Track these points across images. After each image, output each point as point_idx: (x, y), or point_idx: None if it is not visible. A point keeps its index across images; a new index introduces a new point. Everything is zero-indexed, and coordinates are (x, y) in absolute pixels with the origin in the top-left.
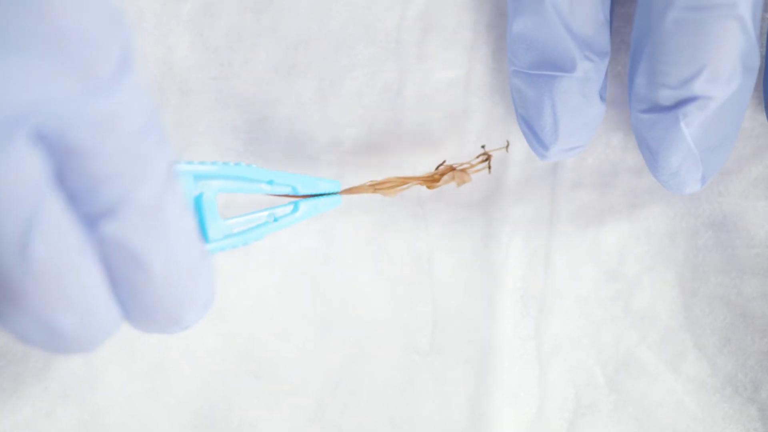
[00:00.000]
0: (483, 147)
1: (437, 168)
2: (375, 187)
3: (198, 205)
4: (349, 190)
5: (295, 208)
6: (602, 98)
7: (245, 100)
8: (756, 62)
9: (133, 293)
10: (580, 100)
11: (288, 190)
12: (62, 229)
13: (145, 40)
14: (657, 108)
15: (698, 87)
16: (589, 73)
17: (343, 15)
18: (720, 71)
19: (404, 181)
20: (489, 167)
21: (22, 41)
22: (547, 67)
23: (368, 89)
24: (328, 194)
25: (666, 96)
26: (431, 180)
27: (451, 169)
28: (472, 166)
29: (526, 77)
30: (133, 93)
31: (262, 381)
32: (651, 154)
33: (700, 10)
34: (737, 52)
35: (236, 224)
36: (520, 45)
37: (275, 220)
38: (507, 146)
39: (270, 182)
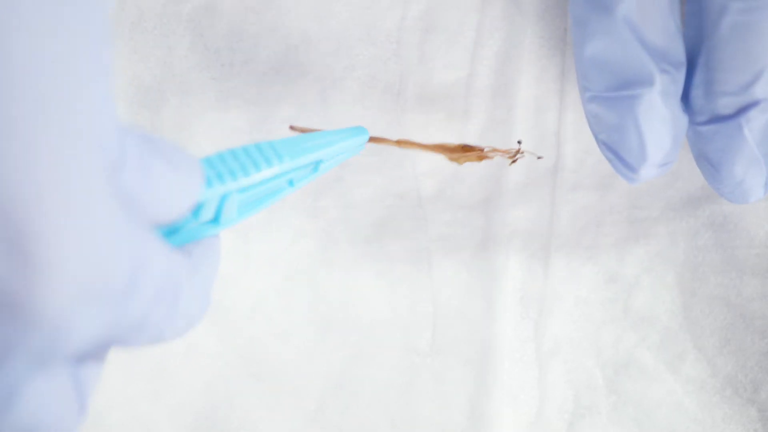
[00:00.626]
0: (519, 142)
1: (463, 146)
2: (400, 142)
3: (221, 203)
4: (375, 140)
5: (315, 169)
6: (683, 109)
7: (246, 101)
8: None
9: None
10: (663, 114)
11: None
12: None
13: (145, 40)
14: (717, 118)
15: (760, 90)
16: (668, 86)
17: (344, 15)
18: None
19: (431, 148)
20: (513, 161)
21: None
22: (625, 87)
23: (369, 90)
24: (349, 151)
25: (727, 104)
26: (456, 152)
27: (479, 150)
28: (498, 151)
29: (604, 101)
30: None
31: (263, 382)
32: (713, 166)
33: (756, 11)
34: None
35: (250, 196)
36: (593, 69)
37: (291, 184)
38: (539, 157)
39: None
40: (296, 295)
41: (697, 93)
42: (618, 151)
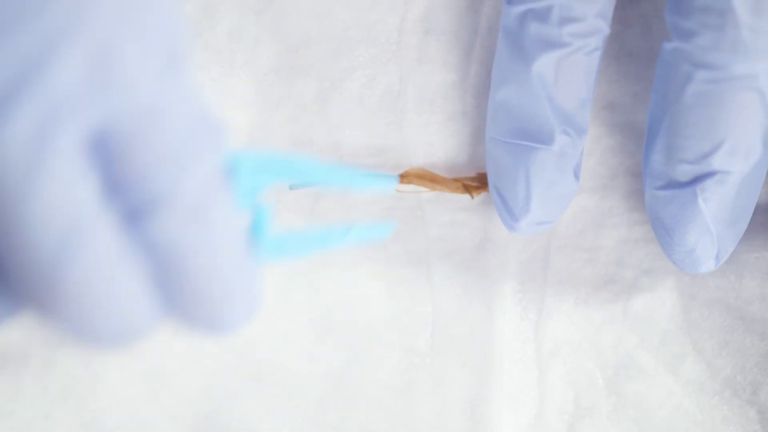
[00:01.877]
0: None
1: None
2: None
3: (257, 212)
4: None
5: (348, 230)
6: (576, 176)
7: (246, 101)
8: None
9: (173, 294)
10: (554, 174)
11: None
12: (105, 236)
13: None
14: (674, 184)
15: (717, 161)
16: (566, 148)
17: (344, 17)
18: (740, 145)
19: (450, 187)
20: None
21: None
22: (525, 137)
23: (369, 91)
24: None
25: (684, 171)
26: (470, 187)
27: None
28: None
29: (503, 145)
30: (184, 84)
31: (262, 383)
32: (666, 232)
33: (721, 83)
34: (757, 125)
35: (285, 238)
36: (501, 113)
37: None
38: None
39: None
40: (296, 296)
41: (657, 157)
42: (505, 197)
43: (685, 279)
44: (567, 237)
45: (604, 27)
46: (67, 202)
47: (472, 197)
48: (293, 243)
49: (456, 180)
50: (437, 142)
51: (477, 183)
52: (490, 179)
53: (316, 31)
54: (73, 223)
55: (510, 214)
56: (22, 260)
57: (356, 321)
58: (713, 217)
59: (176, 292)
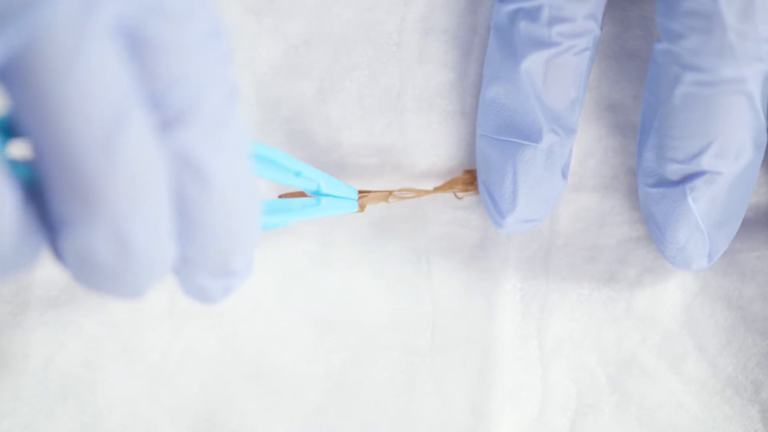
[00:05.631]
0: None
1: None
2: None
3: None
4: (367, 198)
5: (318, 202)
6: (564, 175)
7: (245, 102)
8: (764, 139)
9: (192, 217)
10: (542, 172)
11: (313, 186)
12: (144, 131)
13: None
14: (664, 182)
15: (706, 162)
16: (554, 146)
17: (344, 16)
18: (728, 146)
19: (422, 193)
20: None
21: None
22: (513, 134)
23: (368, 91)
24: (348, 198)
25: (674, 170)
26: (458, 183)
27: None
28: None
29: (492, 142)
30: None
31: (262, 383)
32: (658, 228)
33: (709, 86)
34: (746, 128)
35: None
36: (490, 110)
37: (303, 208)
38: None
39: (298, 174)
40: (295, 296)
41: (648, 155)
42: (493, 194)
43: (688, 278)
44: (568, 236)
45: (594, 28)
46: (110, 86)
47: (458, 197)
48: (271, 211)
49: (439, 188)
50: (437, 141)
51: (468, 179)
52: (480, 176)
53: (316, 30)
54: (118, 110)
55: (497, 211)
56: (73, 145)
57: (356, 320)
58: (703, 215)
59: (194, 215)
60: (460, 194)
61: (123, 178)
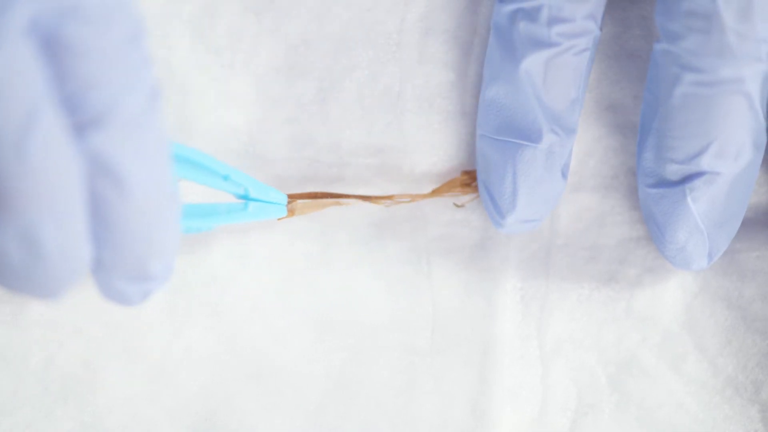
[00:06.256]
0: None
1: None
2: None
3: None
4: (298, 205)
5: (245, 207)
6: (564, 175)
7: (245, 101)
8: (764, 139)
9: (107, 220)
10: (541, 172)
11: (241, 191)
12: (56, 133)
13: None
14: (664, 182)
15: (705, 162)
16: (554, 146)
17: (344, 17)
18: (728, 147)
19: (419, 197)
20: None
21: None
22: (513, 134)
23: (368, 91)
24: (277, 203)
25: (673, 171)
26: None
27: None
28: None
29: (492, 142)
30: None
31: (262, 383)
32: (658, 228)
33: (708, 86)
34: (745, 128)
35: (189, 209)
36: (491, 110)
37: (228, 212)
38: None
39: (225, 177)
40: (295, 297)
41: (648, 156)
42: (493, 194)
43: (688, 278)
44: (568, 236)
45: (594, 28)
46: (21, 87)
47: (457, 206)
48: (194, 215)
49: (437, 190)
50: (437, 142)
51: (466, 180)
52: (480, 176)
53: (316, 31)
54: (29, 112)
55: (497, 212)
56: None
57: (356, 320)
58: (703, 215)
59: (110, 219)
60: (458, 202)
61: (33, 180)
